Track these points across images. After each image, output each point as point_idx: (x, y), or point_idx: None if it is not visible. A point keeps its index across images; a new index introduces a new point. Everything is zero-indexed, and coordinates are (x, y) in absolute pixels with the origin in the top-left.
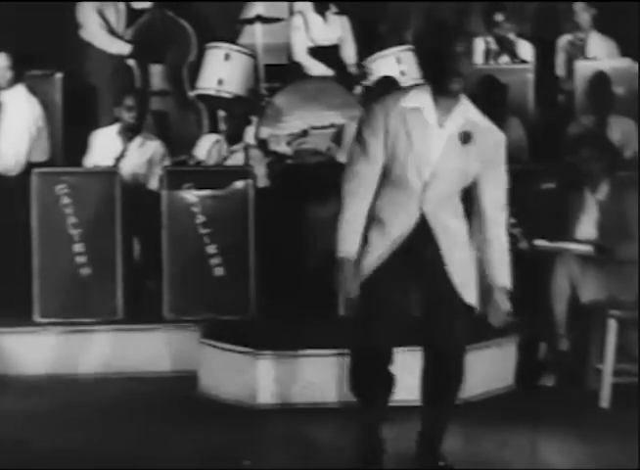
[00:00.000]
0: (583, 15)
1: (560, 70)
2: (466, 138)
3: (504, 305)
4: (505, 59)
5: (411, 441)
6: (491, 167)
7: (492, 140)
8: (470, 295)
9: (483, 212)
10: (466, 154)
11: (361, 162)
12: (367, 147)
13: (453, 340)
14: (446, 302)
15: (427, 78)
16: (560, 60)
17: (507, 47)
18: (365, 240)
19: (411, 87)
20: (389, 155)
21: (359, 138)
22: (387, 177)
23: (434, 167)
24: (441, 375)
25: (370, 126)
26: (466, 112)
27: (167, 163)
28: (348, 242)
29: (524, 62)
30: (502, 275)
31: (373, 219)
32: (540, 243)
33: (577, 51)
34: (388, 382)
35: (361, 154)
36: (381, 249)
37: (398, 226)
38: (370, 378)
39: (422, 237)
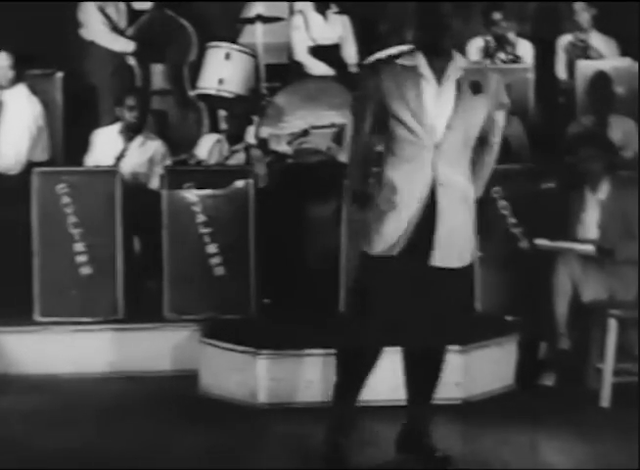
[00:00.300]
0: (583, 15)
1: (560, 70)
2: (476, 87)
3: None
4: (503, 57)
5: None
6: (496, 107)
7: (494, 82)
8: (461, 258)
9: (486, 141)
10: (476, 104)
11: (363, 120)
12: (366, 109)
13: (444, 340)
14: (443, 303)
15: (420, 39)
16: (560, 60)
17: (505, 46)
18: (377, 212)
19: (405, 51)
20: (391, 115)
21: (358, 102)
22: (393, 140)
23: (448, 123)
24: (431, 374)
25: (366, 89)
26: (460, 64)
27: (168, 162)
28: (358, 181)
29: (517, 59)
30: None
31: (386, 187)
32: (541, 242)
33: (578, 51)
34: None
35: (362, 114)
36: (393, 233)
37: (412, 196)
38: (357, 376)
39: (429, 222)
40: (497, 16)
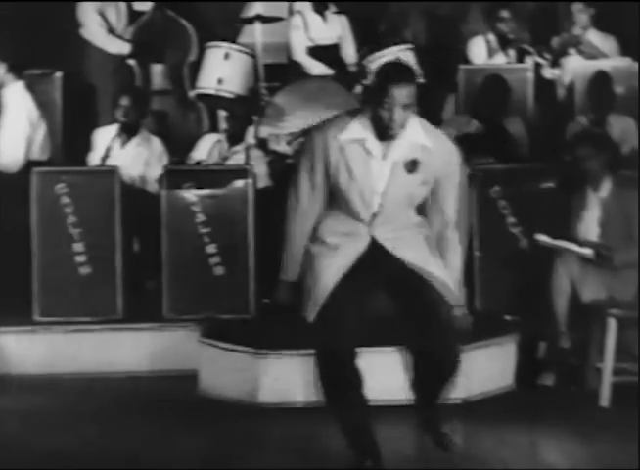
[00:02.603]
0: (581, 16)
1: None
2: (411, 167)
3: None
4: (502, 58)
5: (410, 440)
6: (445, 181)
7: (441, 159)
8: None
9: (442, 222)
10: (413, 180)
11: (304, 186)
12: (310, 174)
13: (447, 346)
14: (431, 308)
15: (369, 110)
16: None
17: (509, 44)
18: (311, 265)
19: (353, 113)
20: (332, 185)
21: (302, 166)
22: (333, 204)
23: (382, 198)
24: (438, 379)
25: (310, 156)
26: (411, 136)
27: (166, 162)
28: (290, 266)
29: (525, 55)
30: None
31: (320, 243)
32: (541, 238)
33: (570, 46)
34: (354, 381)
35: (304, 180)
36: (330, 274)
37: (348, 250)
38: (336, 381)
39: (376, 254)
40: (505, 13)
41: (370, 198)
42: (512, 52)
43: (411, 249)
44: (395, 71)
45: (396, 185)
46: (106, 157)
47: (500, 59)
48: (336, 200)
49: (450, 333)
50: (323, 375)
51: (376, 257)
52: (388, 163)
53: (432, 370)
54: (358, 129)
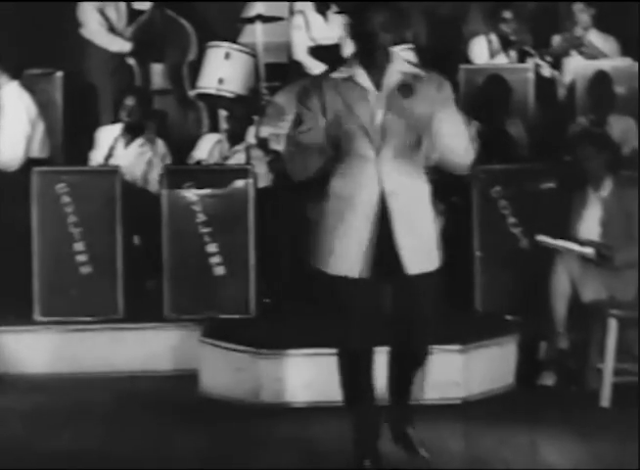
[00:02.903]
0: (582, 16)
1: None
2: (406, 91)
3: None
4: (504, 59)
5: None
6: (443, 109)
7: (435, 85)
8: (431, 259)
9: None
10: (411, 107)
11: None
12: (309, 122)
13: (422, 342)
14: (415, 304)
15: (355, 49)
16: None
17: (511, 45)
18: (327, 231)
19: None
20: (334, 128)
21: (300, 117)
22: (339, 153)
23: (383, 129)
24: (409, 373)
25: (306, 104)
26: (400, 68)
27: (168, 161)
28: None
29: (526, 56)
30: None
31: (333, 198)
32: (542, 238)
33: (571, 46)
34: (371, 381)
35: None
36: (349, 251)
37: (361, 208)
38: (357, 379)
39: (386, 233)
40: (507, 14)
41: (372, 131)
42: (513, 53)
43: (412, 209)
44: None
45: (395, 113)
46: (109, 156)
47: (501, 60)
48: (342, 147)
49: (427, 333)
50: (344, 366)
51: (383, 235)
52: (383, 93)
53: (403, 367)
54: (348, 67)
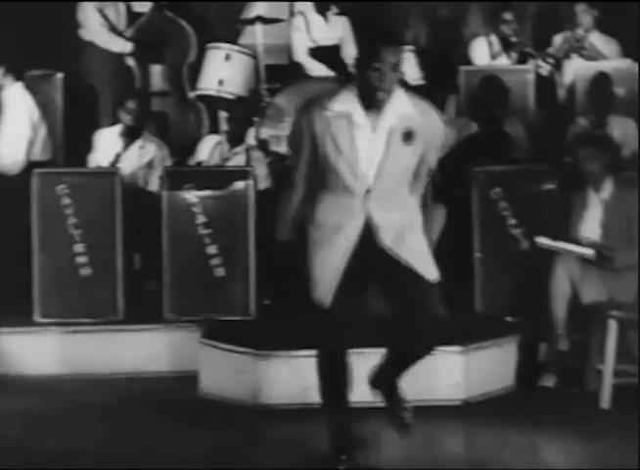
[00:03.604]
0: (585, 17)
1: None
2: (407, 138)
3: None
4: (505, 60)
5: (409, 440)
6: (430, 146)
7: (429, 128)
8: (430, 271)
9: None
10: (409, 150)
11: (299, 164)
12: (300, 151)
13: (425, 344)
14: (415, 305)
15: (358, 85)
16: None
17: (512, 46)
18: (316, 250)
19: (339, 87)
20: (322, 161)
21: (291, 144)
22: (326, 182)
23: (378, 171)
24: (404, 369)
25: (298, 134)
26: (398, 107)
27: (168, 162)
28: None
29: (527, 58)
30: None
31: (317, 225)
32: (542, 240)
33: (573, 48)
34: (347, 376)
35: (296, 158)
36: (330, 271)
37: (347, 231)
38: (337, 379)
39: (370, 244)
40: (508, 16)
41: (363, 171)
42: (514, 54)
43: (401, 236)
44: (381, 32)
45: (393, 156)
46: (116, 161)
47: (502, 61)
48: (330, 180)
49: (432, 332)
50: (323, 368)
51: (369, 248)
52: (379, 134)
53: (404, 364)
54: (344, 102)
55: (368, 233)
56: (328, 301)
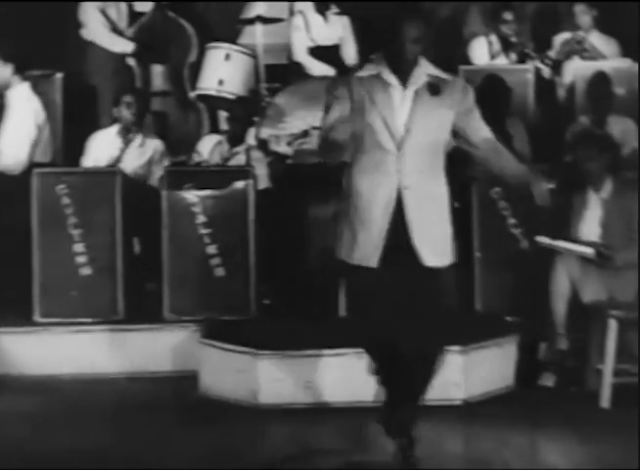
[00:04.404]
0: (584, 17)
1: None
2: (434, 89)
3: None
4: (504, 60)
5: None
6: (468, 114)
7: (460, 89)
8: (445, 255)
9: (480, 148)
10: (436, 106)
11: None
12: (335, 113)
13: (432, 345)
14: (427, 302)
15: (382, 48)
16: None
17: (512, 47)
18: (347, 223)
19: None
20: (358, 121)
21: (327, 109)
22: (361, 148)
23: (407, 126)
24: (423, 376)
25: (334, 94)
26: (425, 70)
27: (167, 162)
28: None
29: (526, 58)
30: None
31: (352, 194)
32: (542, 240)
33: (573, 49)
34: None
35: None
36: (367, 242)
37: (380, 202)
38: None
39: (402, 227)
40: (508, 16)
41: (395, 126)
42: (514, 55)
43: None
44: (402, 8)
45: (421, 110)
46: (118, 160)
47: (502, 61)
48: (365, 139)
49: (443, 334)
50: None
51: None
52: (409, 91)
53: (416, 368)
54: (374, 67)
55: (400, 195)
56: (374, 263)
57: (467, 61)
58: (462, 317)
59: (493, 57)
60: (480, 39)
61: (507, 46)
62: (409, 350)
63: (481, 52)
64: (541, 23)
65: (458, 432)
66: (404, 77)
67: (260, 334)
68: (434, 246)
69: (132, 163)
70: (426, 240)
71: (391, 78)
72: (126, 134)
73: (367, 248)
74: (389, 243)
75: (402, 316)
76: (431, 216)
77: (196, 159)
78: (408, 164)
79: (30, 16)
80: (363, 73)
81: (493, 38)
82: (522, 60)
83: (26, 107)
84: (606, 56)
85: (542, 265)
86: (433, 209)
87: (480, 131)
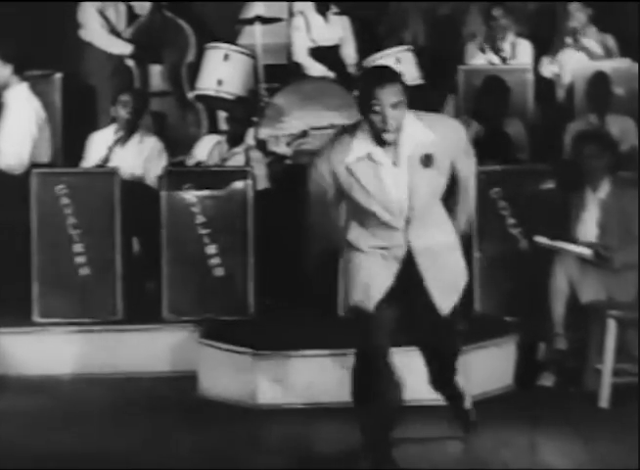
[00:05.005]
0: (579, 16)
1: (545, 70)
2: (426, 161)
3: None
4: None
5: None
6: (461, 154)
7: (450, 144)
8: (449, 304)
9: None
10: (431, 173)
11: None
12: (326, 195)
13: (449, 347)
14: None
15: (363, 118)
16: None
17: (498, 44)
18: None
19: (352, 129)
20: (353, 204)
21: (315, 193)
22: (362, 217)
23: (410, 202)
24: (445, 368)
25: (320, 182)
26: (413, 135)
27: (165, 159)
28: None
29: (505, 59)
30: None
31: (361, 251)
32: (540, 239)
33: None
34: (390, 380)
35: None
36: (380, 279)
37: (391, 257)
38: (372, 379)
39: (412, 265)
40: (497, 12)
41: (397, 207)
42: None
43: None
44: (375, 74)
45: (419, 184)
46: (107, 159)
47: (493, 59)
48: (367, 217)
49: (452, 332)
50: (359, 372)
51: (411, 268)
52: (401, 168)
53: (440, 363)
54: (362, 146)
55: (411, 255)
56: (373, 305)
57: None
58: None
59: (484, 51)
60: (471, 45)
61: (495, 42)
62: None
63: (473, 52)
64: (540, 22)
65: (457, 432)
66: (393, 149)
67: (259, 334)
68: (450, 293)
69: (130, 160)
70: (442, 291)
71: (382, 158)
72: (124, 134)
73: (372, 297)
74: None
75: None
76: (448, 267)
77: (190, 162)
78: (415, 229)
79: (30, 16)
80: (350, 158)
81: (485, 35)
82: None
83: (26, 107)
84: (601, 54)
85: (541, 266)
86: (447, 258)
87: (465, 169)
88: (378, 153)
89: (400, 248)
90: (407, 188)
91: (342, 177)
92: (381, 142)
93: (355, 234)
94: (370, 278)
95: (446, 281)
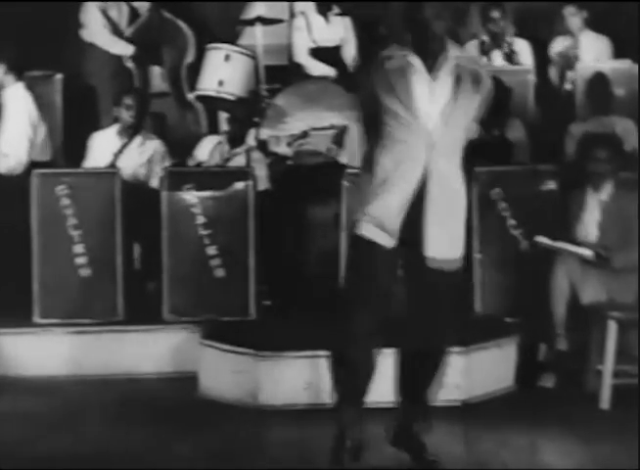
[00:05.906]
0: (573, 19)
1: (553, 76)
2: (475, 78)
3: None
4: (497, 57)
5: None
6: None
7: (486, 78)
8: (453, 250)
9: None
10: (470, 95)
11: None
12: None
13: (438, 340)
14: (433, 302)
15: (410, 40)
16: (552, 68)
17: (501, 44)
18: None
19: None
20: (383, 109)
21: (359, 102)
22: (386, 134)
23: (441, 117)
24: (428, 374)
25: (363, 92)
26: (453, 56)
27: (168, 162)
28: None
29: (513, 56)
30: None
31: (379, 171)
32: (541, 240)
33: (569, 61)
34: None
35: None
36: (385, 218)
37: (402, 182)
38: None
39: (419, 212)
40: (495, 14)
41: (425, 119)
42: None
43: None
44: None
45: (452, 102)
46: (119, 153)
47: (496, 59)
48: (393, 131)
49: (444, 334)
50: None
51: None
52: (438, 82)
53: (419, 368)
54: (402, 56)
55: (425, 182)
56: (393, 241)
57: None
58: (462, 318)
59: (485, 53)
60: (472, 42)
61: (496, 44)
62: (412, 348)
63: (473, 51)
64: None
65: (458, 433)
66: (432, 65)
67: (260, 335)
68: (446, 240)
69: (132, 162)
70: (439, 233)
71: (418, 64)
72: (126, 134)
73: (383, 223)
74: (406, 228)
75: (404, 313)
76: (449, 209)
77: (190, 163)
78: (438, 151)
79: (30, 16)
80: (390, 66)
81: (485, 38)
82: (509, 58)
83: (20, 106)
84: (597, 57)
85: (542, 266)
86: (452, 202)
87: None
88: (414, 59)
89: (418, 170)
90: (446, 99)
91: (382, 85)
92: (421, 52)
93: (379, 153)
94: (387, 210)
95: (445, 223)
